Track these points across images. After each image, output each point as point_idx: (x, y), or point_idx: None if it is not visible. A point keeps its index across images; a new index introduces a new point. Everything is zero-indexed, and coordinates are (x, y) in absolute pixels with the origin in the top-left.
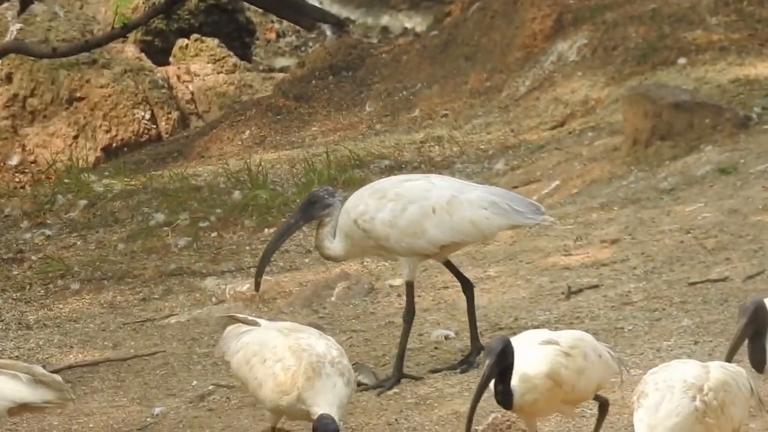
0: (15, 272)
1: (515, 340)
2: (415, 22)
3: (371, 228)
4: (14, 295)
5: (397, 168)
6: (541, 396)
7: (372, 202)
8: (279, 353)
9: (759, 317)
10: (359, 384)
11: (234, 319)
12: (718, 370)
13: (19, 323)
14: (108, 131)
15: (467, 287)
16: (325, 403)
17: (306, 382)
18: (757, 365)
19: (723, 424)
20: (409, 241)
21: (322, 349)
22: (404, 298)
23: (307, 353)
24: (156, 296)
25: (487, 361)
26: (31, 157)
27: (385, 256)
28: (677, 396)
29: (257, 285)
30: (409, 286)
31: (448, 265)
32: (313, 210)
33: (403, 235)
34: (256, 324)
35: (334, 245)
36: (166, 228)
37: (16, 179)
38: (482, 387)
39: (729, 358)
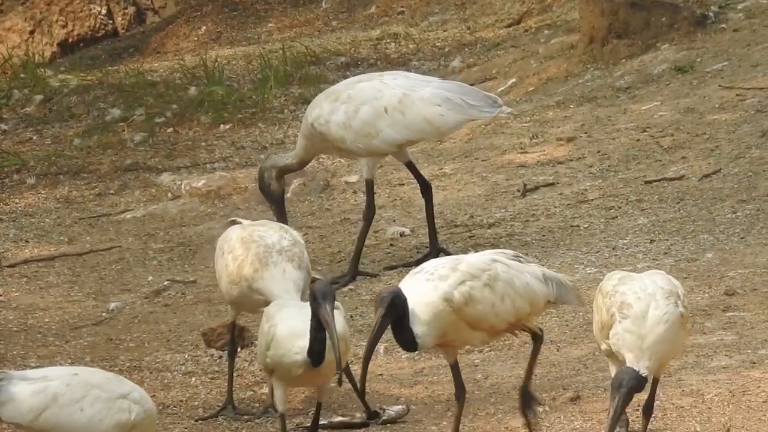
0: None
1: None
2: None
3: (327, 131)
4: None
5: (353, 65)
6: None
7: (326, 105)
8: (231, 245)
9: (397, 307)
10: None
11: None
12: (674, 280)
13: None
14: (64, 26)
15: (426, 190)
16: (280, 289)
17: (254, 274)
18: (408, 347)
19: (690, 331)
20: (365, 142)
21: (272, 240)
22: (360, 195)
23: (255, 244)
24: (112, 191)
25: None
26: None
27: (346, 156)
28: (662, 302)
29: None
30: (369, 184)
31: (410, 166)
32: None
33: (358, 136)
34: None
35: (294, 151)
36: (122, 123)
37: None
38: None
39: (369, 351)
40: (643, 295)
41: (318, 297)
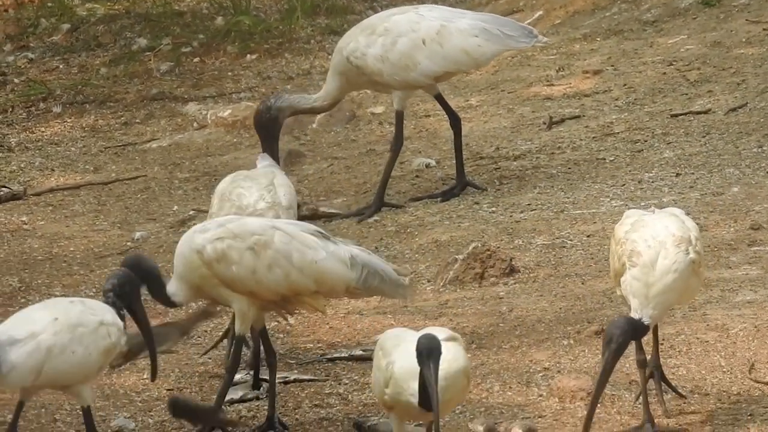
0: None
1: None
2: None
3: (363, 64)
4: None
5: None
6: (455, 395)
7: (362, 39)
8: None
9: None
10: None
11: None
12: (688, 219)
13: (1, 146)
14: None
15: (455, 122)
16: None
17: None
18: (168, 304)
19: (704, 271)
20: (402, 75)
21: (249, 200)
22: (386, 126)
23: (230, 204)
24: (138, 120)
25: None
26: None
27: (380, 90)
28: (672, 251)
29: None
30: (399, 116)
31: (439, 98)
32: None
33: (396, 69)
34: None
35: (324, 91)
36: (148, 53)
37: None
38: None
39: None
40: (653, 243)
41: (422, 355)
